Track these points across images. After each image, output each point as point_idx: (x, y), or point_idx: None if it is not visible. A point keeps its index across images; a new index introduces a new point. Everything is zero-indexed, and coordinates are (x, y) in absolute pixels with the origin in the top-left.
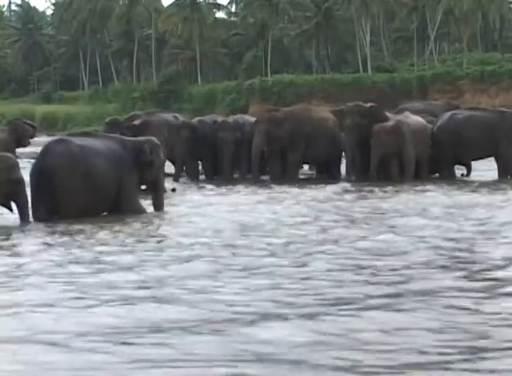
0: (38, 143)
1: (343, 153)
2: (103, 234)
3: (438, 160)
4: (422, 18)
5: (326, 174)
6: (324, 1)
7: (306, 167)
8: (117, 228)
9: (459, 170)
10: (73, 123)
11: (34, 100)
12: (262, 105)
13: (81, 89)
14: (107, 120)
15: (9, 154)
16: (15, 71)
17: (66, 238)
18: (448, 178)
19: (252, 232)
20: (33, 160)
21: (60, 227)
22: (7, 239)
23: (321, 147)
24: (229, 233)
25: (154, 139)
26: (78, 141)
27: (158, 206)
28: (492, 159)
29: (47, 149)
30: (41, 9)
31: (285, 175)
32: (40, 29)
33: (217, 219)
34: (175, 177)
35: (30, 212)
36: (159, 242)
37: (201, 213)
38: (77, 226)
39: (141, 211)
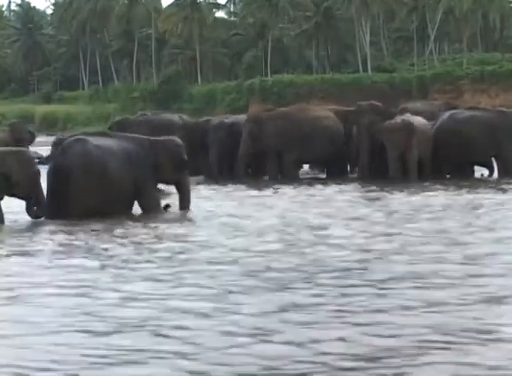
0: (38, 144)
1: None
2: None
3: (437, 161)
4: (422, 18)
5: (327, 173)
6: (324, 1)
7: (306, 167)
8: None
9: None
10: (73, 123)
11: (34, 100)
12: (262, 105)
13: (81, 89)
14: (119, 118)
15: (25, 149)
16: (15, 71)
17: (76, 238)
18: (446, 179)
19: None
20: None
21: (71, 226)
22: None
23: (319, 147)
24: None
25: (175, 138)
26: (95, 141)
27: (183, 206)
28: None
29: (64, 148)
30: (41, 8)
31: (282, 175)
32: (40, 29)
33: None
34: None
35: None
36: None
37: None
38: (88, 226)
39: (160, 211)
